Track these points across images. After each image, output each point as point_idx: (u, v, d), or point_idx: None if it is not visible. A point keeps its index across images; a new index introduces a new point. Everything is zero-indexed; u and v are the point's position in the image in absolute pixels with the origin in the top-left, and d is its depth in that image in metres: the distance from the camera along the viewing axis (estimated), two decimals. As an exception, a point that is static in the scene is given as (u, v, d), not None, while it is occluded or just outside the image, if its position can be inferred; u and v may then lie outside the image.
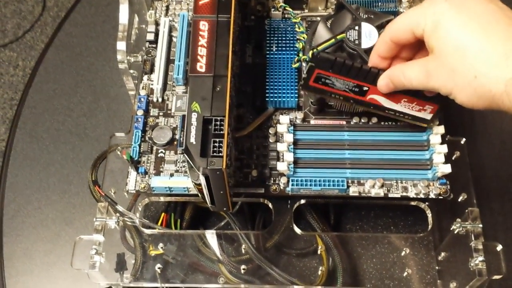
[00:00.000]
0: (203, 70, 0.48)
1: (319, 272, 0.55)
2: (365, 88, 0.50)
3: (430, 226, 0.56)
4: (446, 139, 0.56)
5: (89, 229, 0.56)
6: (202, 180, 0.46)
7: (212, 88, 0.47)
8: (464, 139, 0.57)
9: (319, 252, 0.56)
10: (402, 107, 0.51)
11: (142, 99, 0.58)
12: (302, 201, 0.56)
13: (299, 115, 0.56)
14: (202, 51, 0.49)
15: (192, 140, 0.45)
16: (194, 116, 0.46)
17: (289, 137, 0.55)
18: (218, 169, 0.44)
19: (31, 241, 0.66)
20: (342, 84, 0.51)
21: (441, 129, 0.54)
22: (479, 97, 0.41)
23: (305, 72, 0.51)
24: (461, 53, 0.41)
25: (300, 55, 0.55)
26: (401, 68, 0.47)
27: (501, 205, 0.66)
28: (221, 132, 0.45)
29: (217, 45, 0.49)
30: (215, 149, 0.45)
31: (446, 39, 0.42)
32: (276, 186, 0.54)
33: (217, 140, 0.45)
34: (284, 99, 0.56)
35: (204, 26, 0.50)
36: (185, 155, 0.45)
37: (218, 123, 0.46)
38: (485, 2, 0.42)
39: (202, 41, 0.49)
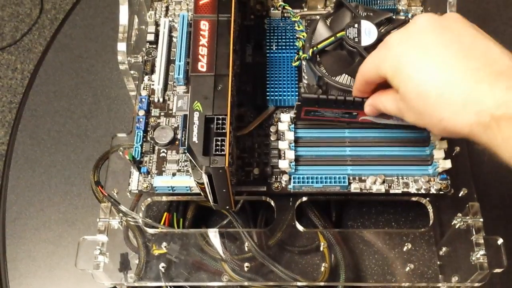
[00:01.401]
0: (204, 69, 0.48)
1: (322, 269, 0.56)
2: (355, 113, 0.51)
3: (431, 221, 0.56)
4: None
5: (91, 230, 0.57)
6: (205, 179, 0.46)
7: (213, 87, 0.47)
8: (463, 135, 0.58)
9: (321, 249, 0.56)
10: (395, 120, 0.51)
11: (143, 100, 0.58)
12: (304, 199, 0.56)
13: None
14: (203, 51, 0.49)
15: (195, 139, 0.45)
16: (196, 115, 0.46)
17: (290, 135, 0.55)
18: (220, 167, 0.44)
19: (34, 243, 0.66)
20: (332, 113, 0.53)
21: None
22: (451, 134, 0.41)
23: (294, 110, 0.54)
24: (423, 99, 0.41)
25: (300, 53, 0.55)
26: (379, 98, 0.47)
27: (501, 199, 0.66)
28: (223, 130, 0.45)
29: (217, 45, 0.49)
30: (217, 147, 0.45)
31: (407, 85, 0.42)
32: (278, 184, 0.55)
33: (219, 138, 0.45)
34: (284, 98, 0.57)
35: (204, 25, 0.50)
36: (188, 154, 0.45)
37: (220, 121, 0.46)
38: (446, 39, 0.41)
39: (203, 41, 0.50)
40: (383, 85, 0.46)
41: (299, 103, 0.52)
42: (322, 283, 0.55)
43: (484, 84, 0.38)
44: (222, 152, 0.45)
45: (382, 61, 0.43)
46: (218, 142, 0.45)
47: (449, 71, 0.40)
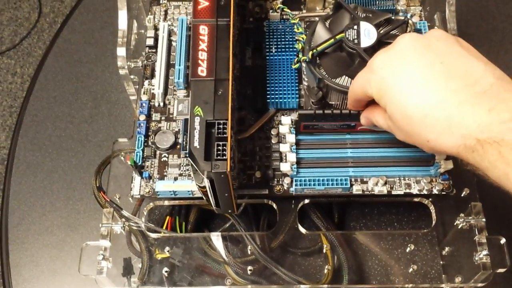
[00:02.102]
0: (204, 74, 0.48)
1: (325, 271, 0.56)
2: (353, 124, 0.52)
3: (433, 222, 0.56)
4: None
5: (94, 234, 0.57)
6: (207, 184, 0.46)
7: (214, 91, 0.47)
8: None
9: (324, 251, 0.56)
10: None
11: (144, 104, 0.58)
12: (306, 201, 0.56)
13: (301, 115, 0.57)
14: (202, 55, 0.49)
15: (196, 144, 0.45)
16: (197, 120, 0.46)
17: (291, 138, 0.55)
18: (222, 172, 0.44)
19: (37, 248, 0.66)
20: (330, 126, 0.54)
21: None
22: (441, 153, 0.43)
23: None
24: (408, 121, 0.41)
25: (300, 55, 0.55)
26: (372, 113, 0.47)
27: (503, 199, 0.66)
28: (224, 135, 0.45)
29: (217, 49, 0.49)
30: (218, 152, 0.45)
31: (391, 107, 0.42)
32: (279, 186, 0.55)
33: (221, 143, 0.45)
34: (285, 100, 0.57)
35: (204, 30, 0.50)
36: (189, 159, 0.45)
37: (221, 126, 0.46)
38: (429, 60, 0.41)
39: (203, 45, 0.50)
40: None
41: (297, 118, 0.54)
42: (325, 286, 0.55)
43: (467, 106, 0.38)
44: (224, 157, 0.45)
45: (367, 84, 0.44)
46: (219, 147, 0.45)
47: (432, 93, 0.40)
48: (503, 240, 0.52)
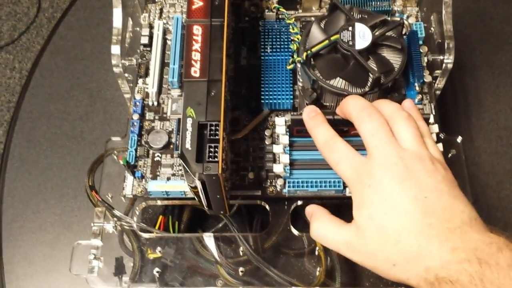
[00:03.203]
0: (197, 75, 0.48)
1: (317, 273, 0.55)
2: (345, 129, 0.51)
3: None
4: (442, 137, 0.56)
5: (88, 232, 0.57)
6: (199, 185, 0.46)
7: (206, 93, 0.47)
8: (460, 138, 0.58)
9: (316, 253, 0.56)
10: None
11: (138, 103, 0.58)
12: (299, 202, 0.56)
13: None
14: (196, 56, 0.49)
15: (188, 145, 0.45)
16: (189, 122, 0.46)
17: (284, 139, 0.55)
18: (214, 174, 0.44)
19: (31, 246, 0.66)
20: None
21: (435, 128, 0.54)
22: (399, 281, 0.42)
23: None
24: (382, 240, 0.42)
25: (295, 56, 0.55)
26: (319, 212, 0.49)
27: (498, 201, 0.66)
28: (216, 137, 0.45)
29: (211, 50, 0.49)
30: (210, 154, 0.45)
31: (367, 222, 0.43)
32: (272, 188, 0.54)
33: (213, 145, 0.45)
34: (279, 101, 0.56)
35: (197, 30, 0.50)
36: (181, 160, 0.45)
37: (213, 128, 0.46)
38: (412, 195, 0.42)
39: (196, 46, 0.49)
40: None
41: (289, 123, 0.54)
42: (317, 288, 0.55)
43: (436, 240, 0.40)
44: (215, 159, 0.45)
45: (354, 183, 0.45)
46: (211, 149, 0.45)
47: (410, 222, 0.41)
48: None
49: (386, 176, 0.43)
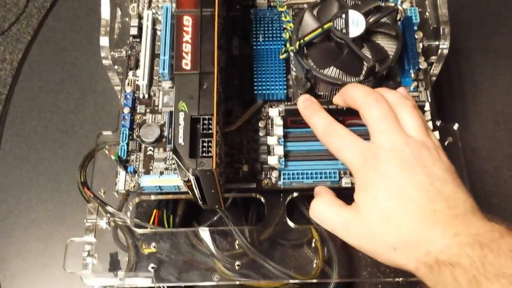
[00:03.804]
0: (188, 67, 0.47)
1: (314, 265, 0.55)
2: (340, 118, 0.50)
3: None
4: (438, 125, 0.55)
5: (81, 227, 0.56)
6: (193, 181, 0.45)
7: (198, 86, 0.46)
8: (456, 125, 0.57)
9: (313, 244, 0.56)
10: None
11: (128, 96, 0.56)
12: (295, 194, 0.55)
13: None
14: (187, 48, 0.48)
15: (180, 140, 0.44)
16: (181, 116, 0.45)
17: (279, 130, 0.54)
18: (208, 169, 0.43)
19: (24, 242, 0.65)
20: None
21: (427, 116, 0.53)
22: (396, 266, 0.42)
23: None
24: (384, 223, 0.42)
25: (288, 45, 0.54)
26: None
27: (495, 187, 0.66)
28: (210, 131, 0.44)
29: (202, 41, 0.48)
30: (204, 149, 0.44)
31: (370, 204, 0.43)
32: (267, 180, 0.54)
33: (206, 140, 0.44)
34: (272, 91, 0.55)
35: (188, 21, 0.49)
36: (174, 156, 0.44)
37: (206, 122, 0.45)
38: (418, 182, 0.42)
39: (187, 37, 0.48)
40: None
41: (283, 114, 0.53)
42: (314, 280, 0.54)
43: (439, 225, 0.40)
44: (209, 154, 0.44)
45: (358, 167, 0.44)
46: (204, 144, 0.44)
47: (414, 207, 0.41)
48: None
49: (393, 160, 0.43)
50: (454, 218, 0.40)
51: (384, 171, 0.43)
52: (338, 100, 0.50)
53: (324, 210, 0.46)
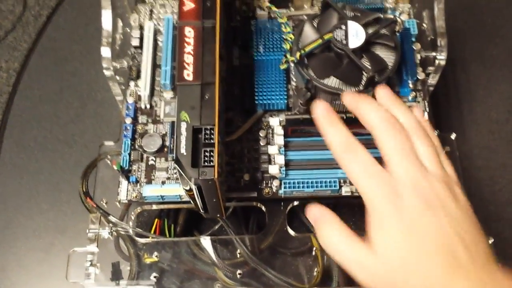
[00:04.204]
0: (190, 78, 0.47)
1: (314, 273, 0.55)
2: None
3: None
4: (436, 135, 0.56)
5: (82, 237, 0.56)
6: (195, 190, 0.46)
7: (200, 96, 0.47)
8: (454, 135, 0.58)
9: (313, 253, 0.56)
10: None
11: (130, 107, 0.57)
12: (295, 203, 0.56)
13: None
14: (188, 59, 0.48)
15: (183, 150, 0.44)
16: (183, 126, 0.45)
17: (279, 140, 0.54)
18: (209, 179, 0.44)
19: (24, 252, 0.65)
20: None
21: None
22: None
23: None
24: (408, 274, 0.39)
25: (288, 56, 0.55)
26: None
27: (492, 195, 0.66)
28: (212, 141, 0.45)
29: (203, 52, 0.48)
30: (206, 158, 0.44)
31: (391, 249, 0.40)
32: (268, 189, 0.54)
33: (208, 149, 0.44)
34: (273, 101, 0.56)
35: (190, 32, 0.49)
36: (176, 166, 0.45)
37: (208, 132, 0.45)
38: (438, 225, 0.40)
39: (188, 48, 0.49)
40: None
41: (284, 124, 0.54)
42: (315, 288, 0.55)
43: (463, 277, 0.38)
44: (211, 164, 0.44)
45: (375, 200, 0.42)
46: (206, 153, 0.44)
47: (437, 255, 0.39)
48: (491, 240, 0.52)
49: (413, 198, 0.40)
50: (480, 269, 0.39)
51: (405, 210, 0.40)
52: (348, 103, 0.48)
53: (338, 244, 0.43)
